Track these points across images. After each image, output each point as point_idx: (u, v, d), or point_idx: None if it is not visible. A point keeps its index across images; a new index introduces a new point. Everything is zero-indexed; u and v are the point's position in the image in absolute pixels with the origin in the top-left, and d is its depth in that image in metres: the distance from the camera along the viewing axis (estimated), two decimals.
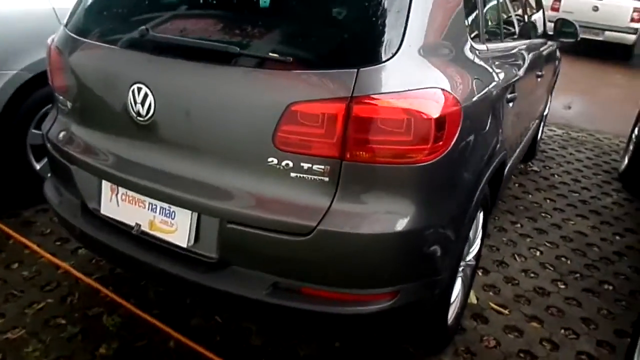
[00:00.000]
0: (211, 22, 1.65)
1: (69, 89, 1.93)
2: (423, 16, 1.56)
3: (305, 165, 1.49)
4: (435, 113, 1.47)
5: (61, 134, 2.01)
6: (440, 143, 1.51)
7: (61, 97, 2.01)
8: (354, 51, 1.47)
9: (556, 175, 4.46)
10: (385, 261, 1.58)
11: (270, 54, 1.50)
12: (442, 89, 1.54)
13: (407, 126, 1.44)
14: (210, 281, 1.67)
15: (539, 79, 3.33)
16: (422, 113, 1.45)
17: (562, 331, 2.47)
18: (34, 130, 2.97)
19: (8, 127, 2.86)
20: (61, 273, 2.59)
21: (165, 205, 1.74)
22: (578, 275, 2.95)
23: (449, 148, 1.55)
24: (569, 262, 3.09)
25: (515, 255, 3.08)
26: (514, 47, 2.67)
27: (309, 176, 1.50)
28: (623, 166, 4.39)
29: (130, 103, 1.67)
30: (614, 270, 3.04)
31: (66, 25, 2.03)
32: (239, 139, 1.56)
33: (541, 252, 3.15)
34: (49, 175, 2.29)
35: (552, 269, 2.99)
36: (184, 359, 2.11)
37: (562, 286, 2.83)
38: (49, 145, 2.07)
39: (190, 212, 1.68)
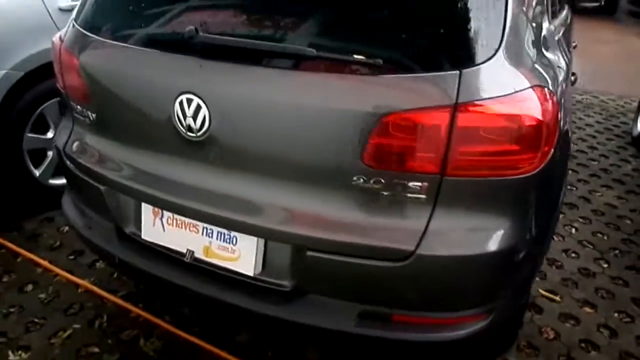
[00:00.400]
0: (275, 17, 1.39)
1: (92, 97, 1.67)
2: (519, 5, 1.36)
3: (399, 183, 1.30)
4: (544, 116, 1.29)
5: (84, 150, 1.76)
6: (546, 149, 1.34)
7: (79, 107, 1.74)
8: (454, 50, 1.26)
9: (572, 144, 4.37)
10: (484, 280, 1.43)
11: (356, 56, 1.27)
12: (543, 87, 1.36)
13: (517, 134, 1.26)
14: (286, 313, 1.49)
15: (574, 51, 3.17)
16: (533, 117, 1.27)
17: (616, 315, 2.40)
18: (30, 135, 2.67)
19: (2, 133, 2.56)
20: (82, 292, 2.36)
21: (224, 230, 1.53)
22: (617, 251, 2.88)
23: (552, 152, 1.38)
24: (605, 237, 3.01)
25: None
26: (562, 22, 2.48)
27: (403, 195, 1.32)
28: (637, 131, 4.33)
29: (177, 116, 1.43)
30: None
31: (76, 22, 1.74)
32: (318, 156, 1.35)
33: (576, 229, 3.07)
34: (66, 192, 2.04)
35: (591, 246, 2.91)
36: None
37: (605, 265, 2.75)
38: (68, 162, 1.81)
39: (255, 238, 1.49)
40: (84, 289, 2.37)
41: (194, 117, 1.40)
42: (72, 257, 2.58)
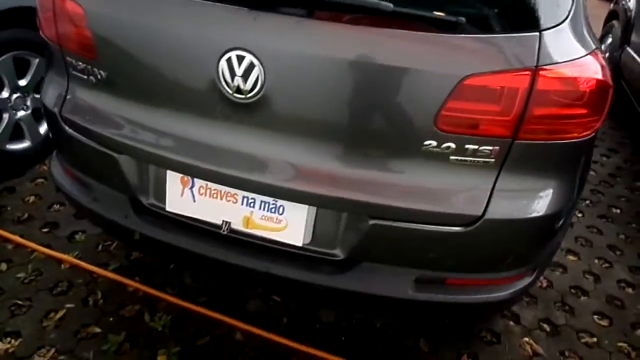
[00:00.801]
0: None
1: (102, 53, 1.44)
2: None
3: (470, 147, 1.26)
4: (607, 78, 1.28)
5: (91, 113, 1.54)
6: (606, 111, 1.35)
7: (81, 63, 1.51)
8: (535, 10, 1.20)
9: None
10: (539, 240, 1.45)
11: (437, 13, 1.18)
12: (602, 51, 1.36)
13: (589, 96, 1.25)
14: (341, 283, 1.43)
15: None
16: (602, 81, 1.25)
17: (597, 261, 2.57)
18: None
19: None
20: (67, 269, 2.15)
21: (269, 199, 1.43)
22: (589, 201, 3.08)
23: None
24: None
25: None
26: None
27: (472, 159, 1.27)
28: None
29: (222, 76, 1.28)
30: (615, 193, 3.21)
31: None
32: (386, 120, 1.26)
33: None
34: (57, 159, 1.80)
35: None
36: (258, 351, 1.89)
37: (580, 215, 2.94)
38: (67, 127, 1.58)
39: (306, 206, 1.40)
40: (68, 264, 2.16)
41: (245, 77, 1.26)
42: (45, 229, 2.34)
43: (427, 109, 1.22)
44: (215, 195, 1.48)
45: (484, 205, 1.30)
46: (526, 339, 2.02)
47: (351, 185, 1.33)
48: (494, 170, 1.30)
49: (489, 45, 1.20)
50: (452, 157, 1.27)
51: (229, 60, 1.26)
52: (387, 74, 1.22)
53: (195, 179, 1.47)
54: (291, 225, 1.43)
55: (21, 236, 2.26)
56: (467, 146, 1.26)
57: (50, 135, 1.78)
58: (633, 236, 2.80)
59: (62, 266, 2.16)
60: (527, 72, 1.19)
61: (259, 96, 1.28)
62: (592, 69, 1.25)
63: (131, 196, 1.57)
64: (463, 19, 1.17)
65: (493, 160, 1.28)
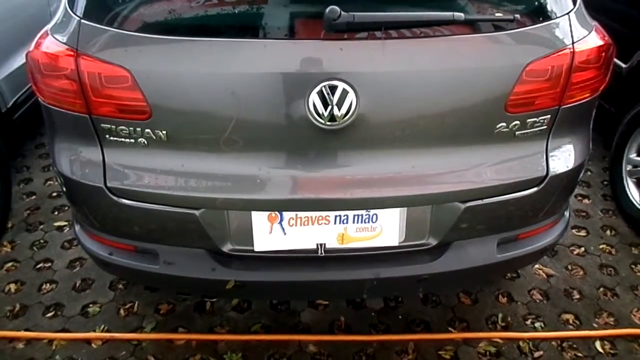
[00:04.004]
0: None
1: (159, 109, 1.36)
2: None
3: (530, 121, 1.47)
4: (610, 42, 1.58)
5: (151, 176, 1.45)
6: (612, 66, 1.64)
7: (128, 126, 1.40)
8: None
9: None
10: (573, 187, 1.72)
11: (497, 14, 1.34)
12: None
13: (604, 60, 1.52)
14: (440, 266, 1.57)
15: None
16: (609, 45, 1.53)
17: None
18: None
19: None
20: (101, 346, 1.98)
21: (362, 211, 1.51)
22: None
23: None
24: None
25: None
26: None
27: (532, 130, 1.49)
28: None
29: (314, 108, 1.31)
30: None
31: (109, 23, 1.36)
32: (465, 115, 1.41)
33: None
34: (92, 242, 1.65)
35: None
36: (336, 355, 1.96)
37: None
38: (119, 198, 1.47)
39: (398, 209, 1.51)
40: (100, 341, 1.99)
41: (339, 105, 1.31)
42: (50, 314, 2.11)
43: (498, 97, 1.40)
44: (306, 223, 1.51)
45: (545, 164, 1.54)
46: (537, 266, 2.37)
47: (440, 179, 1.47)
48: (545, 135, 1.53)
49: (539, 33, 1.40)
50: (517, 133, 1.48)
51: (320, 92, 1.30)
52: (464, 75, 1.36)
53: (284, 213, 1.49)
54: (386, 229, 1.53)
55: (27, 330, 2.02)
56: (528, 120, 1.47)
57: (81, 214, 1.63)
58: None
59: (94, 345, 1.98)
60: (568, 49, 1.42)
61: (351, 120, 1.34)
62: (603, 35, 1.52)
63: (210, 248, 1.54)
64: (517, 15, 1.36)
65: (545, 127, 1.51)
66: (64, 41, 1.40)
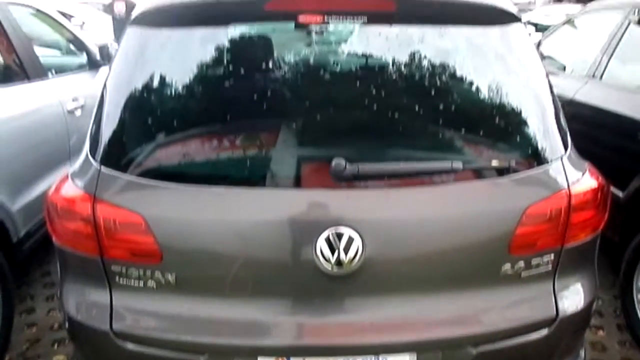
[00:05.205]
0: (414, 139, 1.46)
1: (170, 254, 1.40)
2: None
3: (535, 262, 1.49)
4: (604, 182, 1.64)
5: (157, 320, 1.45)
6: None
7: (138, 269, 1.43)
8: (555, 143, 1.53)
9: None
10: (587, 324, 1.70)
11: (494, 162, 1.43)
12: None
13: (601, 200, 1.58)
14: None
15: None
16: (605, 184, 1.60)
17: None
18: None
19: None
20: None
21: (371, 357, 1.47)
22: None
23: None
24: None
25: None
26: None
27: (538, 271, 1.51)
28: None
29: (321, 254, 1.35)
30: None
31: (126, 169, 1.44)
32: (470, 259, 1.45)
33: None
34: None
35: None
36: None
37: None
38: (123, 342, 1.46)
39: (407, 354, 1.47)
40: None
41: (345, 251, 1.35)
42: None
43: (501, 240, 1.44)
44: None
45: (554, 305, 1.53)
46: None
47: (449, 323, 1.46)
48: (551, 275, 1.54)
49: (536, 178, 1.48)
50: (523, 274, 1.49)
51: (327, 239, 1.34)
52: (466, 220, 1.42)
53: (291, 358, 1.46)
54: None
55: None
56: (532, 261, 1.49)
57: (82, 354, 1.60)
58: None
59: None
60: (565, 192, 1.48)
61: (357, 265, 1.37)
62: (597, 175, 1.60)
63: None
64: (513, 162, 1.44)
65: (550, 267, 1.53)
66: (83, 186, 1.48)
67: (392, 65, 1.51)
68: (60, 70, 3.66)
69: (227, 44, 1.52)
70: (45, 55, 3.81)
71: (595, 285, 1.68)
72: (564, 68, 3.84)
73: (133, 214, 1.40)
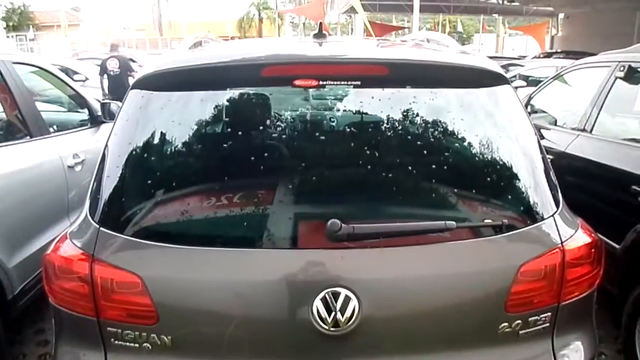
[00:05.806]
0: (408, 198, 1.49)
1: (166, 315, 1.40)
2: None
3: (532, 320, 1.49)
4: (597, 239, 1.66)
5: None
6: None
7: (133, 330, 1.43)
8: (547, 201, 1.56)
9: None
10: None
11: (487, 221, 1.45)
12: None
13: (595, 255, 1.60)
14: None
15: None
16: (598, 240, 1.62)
17: None
18: None
19: None
20: None
21: None
22: None
23: None
24: None
25: None
26: None
27: (535, 329, 1.50)
28: None
29: (317, 314, 1.35)
30: None
31: (121, 231, 1.46)
32: (467, 317, 1.45)
33: None
34: None
35: None
36: None
37: None
38: None
39: None
40: None
41: (342, 311, 1.35)
42: None
43: (497, 298, 1.44)
44: None
45: None
46: None
47: None
48: (549, 333, 1.54)
49: (529, 236, 1.50)
50: (521, 332, 1.48)
51: (323, 299, 1.35)
52: (462, 278, 1.43)
53: None
54: None
55: None
56: (529, 319, 1.49)
57: None
58: None
59: None
60: (558, 249, 1.50)
61: (354, 325, 1.37)
62: (590, 232, 1.62)
63: None
64: (506, 220, 1.46)
65: (548, 324, 1.52)
66: (81, 246, 1.49)
67: (386, 124, 1.56)
68: (62, 126, 3.73)
69: (224, 105, 1.57)
70: (48, 111, 3.89)
71: (595, 342, 1.66)
72: (555, 122, 3.93)
73: (130, 274, 1.41)
